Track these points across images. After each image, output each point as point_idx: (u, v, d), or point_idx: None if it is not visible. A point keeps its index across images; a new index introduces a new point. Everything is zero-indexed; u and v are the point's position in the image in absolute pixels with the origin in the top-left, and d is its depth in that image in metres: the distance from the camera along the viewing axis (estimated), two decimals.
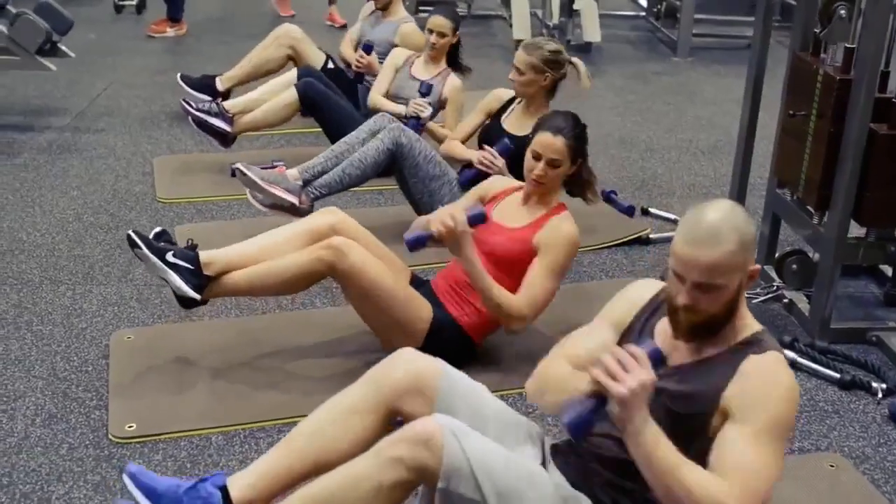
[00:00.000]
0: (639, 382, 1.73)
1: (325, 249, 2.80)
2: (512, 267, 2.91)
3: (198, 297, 2.83)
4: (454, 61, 4.41)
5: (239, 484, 2.08)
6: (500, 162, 3.54)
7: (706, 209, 1.86)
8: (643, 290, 2.11)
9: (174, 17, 7.06)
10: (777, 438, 1.80)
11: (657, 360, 1.81)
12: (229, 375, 2.93)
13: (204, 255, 2.84)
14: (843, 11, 3.15)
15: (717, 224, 1.83)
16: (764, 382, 1.84)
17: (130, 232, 2.82)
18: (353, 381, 2.88)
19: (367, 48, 4.71)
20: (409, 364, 2.15)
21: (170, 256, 2.81)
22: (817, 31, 3.31)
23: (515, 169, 3.28)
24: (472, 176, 3.56)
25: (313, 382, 2.91)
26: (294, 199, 3.63)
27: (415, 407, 2.08)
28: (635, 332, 2.04)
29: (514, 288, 2.88)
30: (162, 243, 2.86)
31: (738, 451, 1.79)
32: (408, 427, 1.94)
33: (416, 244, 2.74)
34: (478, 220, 2.74)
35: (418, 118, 4.11)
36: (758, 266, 1.90)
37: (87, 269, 3.60)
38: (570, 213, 2.98)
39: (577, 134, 2.95)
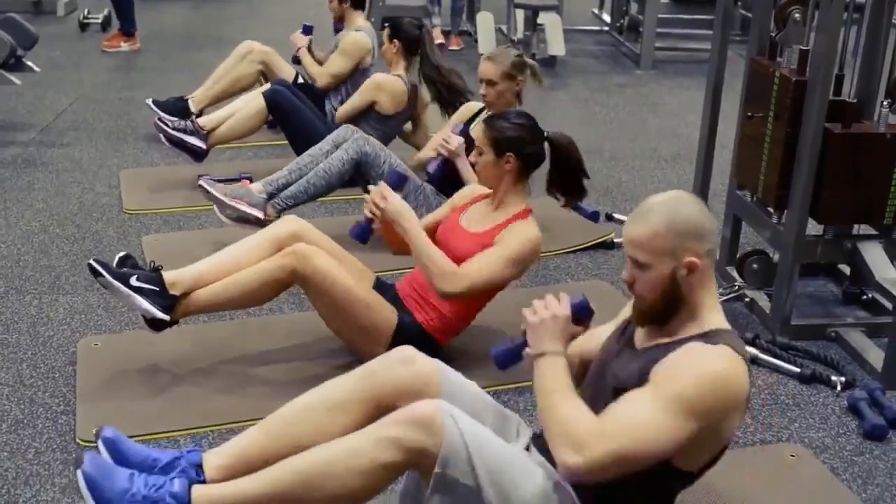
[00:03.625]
0: (550, 314, 1.94)
1: (287, 256, 2.80)
2: None
3: (166, 318, 2.81)
4: (425, 69, 4.34)
5: (215, 463, 2.07)
6: (456, 140, 3.54)
7: (657, 194, 1.95)
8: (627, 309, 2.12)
9: (128, 31, 7.08)
10: (672, 410, 1.76)
11: (580, 307, 1.98)
12: (197, 379, 2.94)
13: (168, 276, 2.82)
14: (797, 15, 3.23)
15: (651, 204, 1.91)
16: (689, 361, 1.81)
17: (91, 261, 2.78)
18: (322, 382, 2.93)
19: (306, 29, 4.88)
20: (411, 365, 2.12)
21: (133, 281, 2.78)
22: (773, 34, 3.39)
23: None
24: (437, 168, 3.57)
25: (282, 386, 2.92)
26: (259, 213, 3.67)
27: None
28: (619, 330, 2.10)
29: None
30: (126, 269, 2.84)
31: (625, 404, 1.81)
32: (408, 409, 1.91)
33: (361, 234, 2.90)
34: (399, 181, 2.99)
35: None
36: (695, 259, 1.86)
37: (54, 279, 3.59)
38: (534, 218, 2.96)
39: (501, 125, 2.90)
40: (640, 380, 1.86)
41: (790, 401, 2.97)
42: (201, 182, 3.68)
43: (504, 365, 2.08)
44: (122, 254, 2.91)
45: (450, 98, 4.29)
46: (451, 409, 1.90)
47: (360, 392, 2.10)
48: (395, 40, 4.37)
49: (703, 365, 1.80)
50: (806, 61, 3.19)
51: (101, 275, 2.77)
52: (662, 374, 1.82)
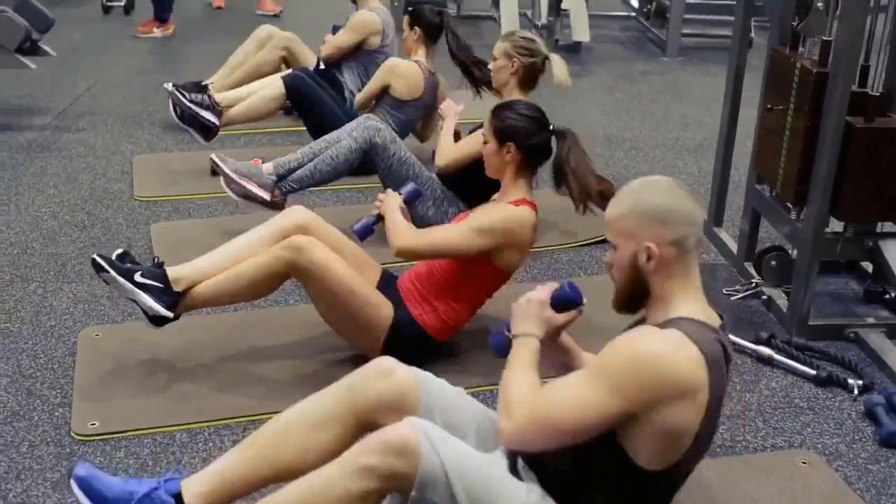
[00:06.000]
0: (526, 298, 2.02)
1: (283, 248, 2.74)
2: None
3: (171, 314, 2.76)
4: (456, 59, 4.14)
5: (194, 490, 2.02)
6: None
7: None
8: None
9: (161, 17, 7.04)
10: (595, 382, 1.76)
11: (561, 295, 2.04)
12: (196, 372, 2.89)
13: (171, 272, 2.78)
14: (820, 4, 3.11)
15: (624, 188, 1.92)
16: (628, 339, 1.80)
17: (95, 256, 2.74)
18: (321, 380, 2.85)
19: (336, 31, 4.82)
20: (388, 378, 2.07)
21: (138, 277, 2.74)
22: (795, 24, 3.28)
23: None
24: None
25: (280, 381, 2.88)
26: (266, 195, 3.63)
27: (391, 421, 1.95)
28: None
29: (452, 267, 2.87)
30: (128, 264, 2.79)
31: (561, 379, 1.88)
32: (380, 433, 1.86)
33: (363, 231, 2.90)
34: (412, 196, 2.93)
35: None
36: (652, 245, 1.82)
37: (60, 267, 3.56)
38: (531, 210, 2.84)
39: (503, 114, 2.83)
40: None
41: (805, 404, 2.88)
42: (213, 156, 3.65)
43: (500, 353, 2.07)
44: (119, 250, 2.85)
45: (482, 76, 4.10)
46: (428, 429, 1.84)
47: (339, 408, 2.06)
48: (416, 27, 4.29)
49: (637, 343, 1.78)
50: (828, 52, 3.07)
51: (105, 270, 2.73)
52: (602, 352, 1.82)
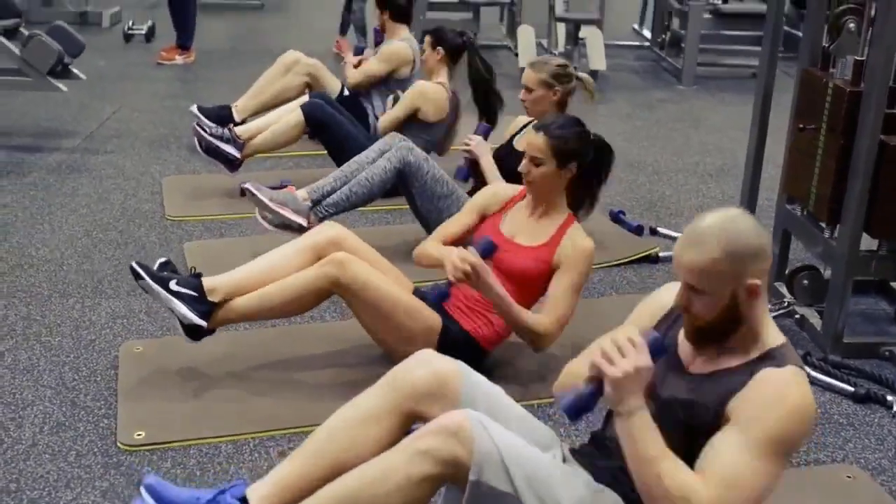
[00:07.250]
0: (633, 366, 1.74)
1: (327, 265, 2.78)
2: (530, 285, 2.91)
3: (204, 323, 2.80)
4: (478, 82, 4.28)
5: (258, 494, 2.03)
6: (476, 139, 3.74)
7: (709, 213, 1.82)
8: (668, 295, 2.01)
9: (183, 44, 7.11)
10: (772, 454, 1.73)
11: (657, 348, 1.79)
12: (238, 385, 2.91)
13: (207, 282, 2.83)
14: (852, 24, 3.16)
15: (706, 229, 1.78)
16: (770, 395, 1.76)
17: (133, 263, 2.80)
18: (361, 390, 2.89)
19: (358, 51, 5.07)
20: (428, 367, 2.08)
21: (173, 285, 2.79)
22: (826, 44, 3.33)
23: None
24: (465, 171, 3.78)
25: (322, 392, 2.89)
26: (302, 220, 3.63)
27: (435, 411, 2.00)
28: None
29: (530, 303, 2.89)
30: (165, 273, 2.84)
31: (725, 456, 1.74)
32: (435, 420, 1.89)
33: (440, 299, 2.80)
34: (489, 251, 2.79)
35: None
36: (756, 282, 1.78)
37: (96, 283, 3.59)
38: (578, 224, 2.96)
39: (563, 133, 2.83)
40: (716, 414, 1.80)
41: (844, 420, 2.89)
42: (247, 185, 3.64)
43: (576, 416, 1.86)
44: (162, 259, 2.91)
45: (492, 103, 4.25)
46: (481, 417, 1.87)
47: (384, 399, 2.08)
48: (440, 48, 4.39)
49: (785, 399, 1.75)
50: (861, 72, 3.12)
51: (141, 277, 2.78)
52: (748, 415, 1.76)
